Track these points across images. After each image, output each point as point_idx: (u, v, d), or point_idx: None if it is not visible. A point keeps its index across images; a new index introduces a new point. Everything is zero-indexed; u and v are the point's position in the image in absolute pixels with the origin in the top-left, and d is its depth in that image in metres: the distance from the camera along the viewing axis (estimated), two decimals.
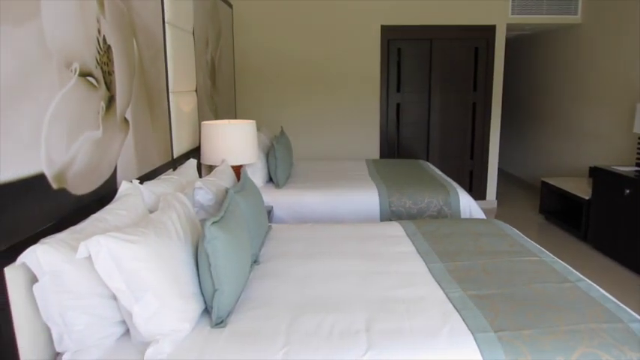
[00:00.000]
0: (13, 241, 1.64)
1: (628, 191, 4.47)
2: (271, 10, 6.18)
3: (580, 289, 2.31)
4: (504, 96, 7.21)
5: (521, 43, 8.16)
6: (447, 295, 2.25)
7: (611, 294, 2.33)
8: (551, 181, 5.98)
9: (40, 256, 1.65)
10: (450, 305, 2.16)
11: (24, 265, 1.65)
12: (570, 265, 2.68)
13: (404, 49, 6.51)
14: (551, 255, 2.81)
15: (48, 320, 1.73)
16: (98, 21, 2.30)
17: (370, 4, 6.25)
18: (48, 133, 1.85)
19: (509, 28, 6.62)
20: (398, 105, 6.62)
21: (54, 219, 1.89)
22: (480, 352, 1.80)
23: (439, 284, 2.38)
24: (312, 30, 6.30)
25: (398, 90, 6.59)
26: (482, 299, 2.20)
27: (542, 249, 2.91)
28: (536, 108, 7.76)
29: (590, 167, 5.42)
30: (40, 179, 1.81)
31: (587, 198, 5.20)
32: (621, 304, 2.18)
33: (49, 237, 1.75)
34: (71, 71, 2.04)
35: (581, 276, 2.49)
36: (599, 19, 6.00)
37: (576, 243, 5.31)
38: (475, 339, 1.87)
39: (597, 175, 5.02)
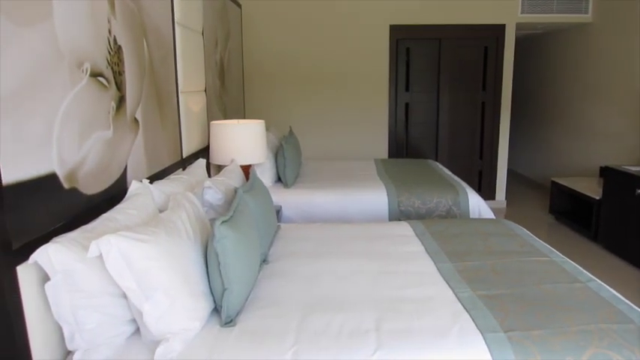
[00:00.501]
0: (25, 240, 1.65)
1: (639, 191, 4.43)
2: (280, 10, 6.20)
3: (590, 290, 2.30)
4: (514, 95, 7.17)
5: (531, 42, 8.13)
6: (456, 295, 2.25)
7: (621, 294, 2.32)
8: (561, 181, 5.95)
9: (52, 255, 1.66)
10: (460, 305, 2.16)
11: (36, 263, 1.67)
12: (580, 266, 2.67)
13: (413, 48, 6.51)
14: (561, 255, 2.80)
15: (59, 319, 1.74)
16: (109, 21, 2.32)
17: (379, 4, 6.26)
18: (59, 133, 1.87)
19: (520, 27, 6.60)
20: (407, 105, 6.62)
21: (65, 218, 1.91)
22: (490, 352, 1.80)
23: (448, 284, 2.38)
24: (320, 30, 6.31)
25: (407, 89, 6.59)
26: (492, 299, 2.20)
27: (552, 249, 2.90)
28: (546, 107, 7.75)
29: (601, 167, 5.39)
30: (51, 179, 1.83)
31: (597, 198, 5.15)
32: (632, 305, 2.17)
33: (60, 236, 1.77)
34: (82, 71, 2.06)
35: (592, 276, 2.48)
36: (610, 18, 5.98)
37: (586, 243, 5.27)
38: (484, 339, 1.87)
39: (608, 174, 4.99)
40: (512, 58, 6.48)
